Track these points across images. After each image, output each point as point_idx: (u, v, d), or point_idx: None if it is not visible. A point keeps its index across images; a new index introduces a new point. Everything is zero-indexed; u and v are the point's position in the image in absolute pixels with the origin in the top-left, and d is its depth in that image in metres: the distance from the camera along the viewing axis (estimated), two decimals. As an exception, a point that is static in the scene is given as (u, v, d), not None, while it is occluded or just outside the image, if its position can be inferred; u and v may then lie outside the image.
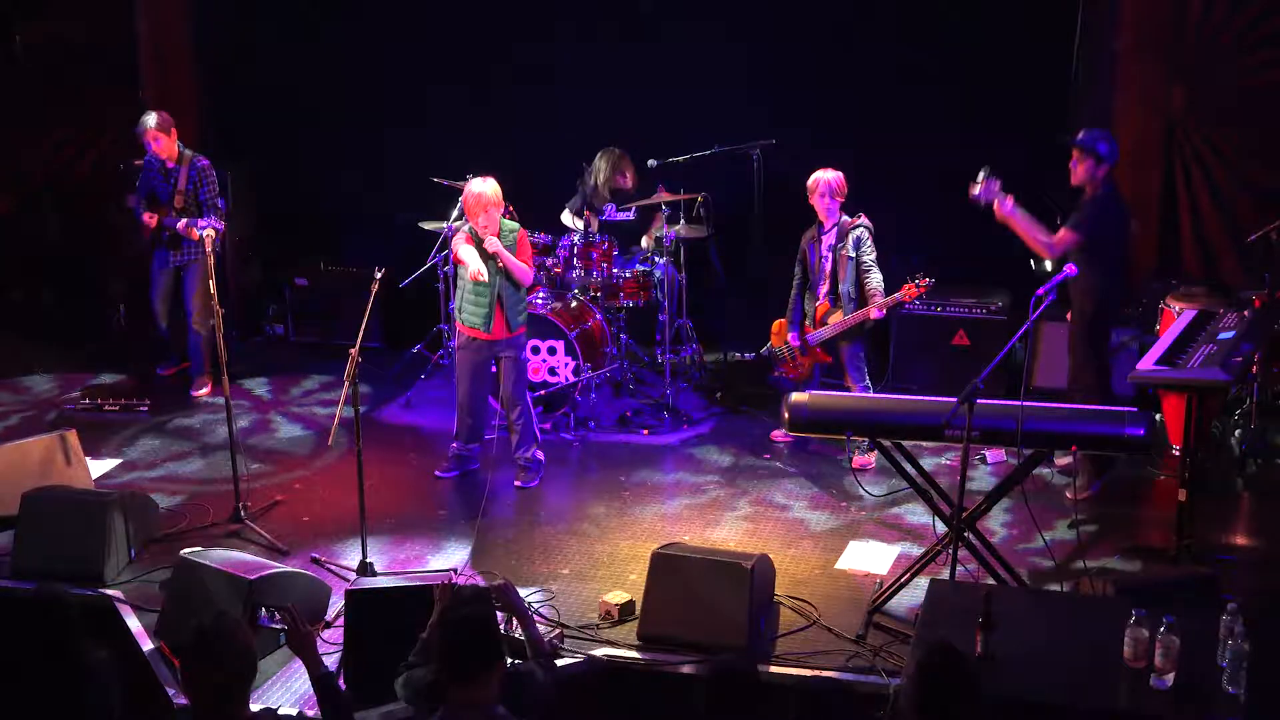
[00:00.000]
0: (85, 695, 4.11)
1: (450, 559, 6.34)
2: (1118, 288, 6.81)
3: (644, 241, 8.69)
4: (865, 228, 7.30)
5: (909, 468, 5.77)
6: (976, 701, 3.67)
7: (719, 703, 3.83)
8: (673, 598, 5.48)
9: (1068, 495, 6.64)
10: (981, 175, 6.60)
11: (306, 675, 4.39)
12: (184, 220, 8.23)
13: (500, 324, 6.98)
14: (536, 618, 5.66)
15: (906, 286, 7.07)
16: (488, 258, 6.84)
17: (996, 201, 6.59)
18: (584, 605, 5.86)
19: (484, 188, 6.85)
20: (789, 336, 7.57)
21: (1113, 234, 6.69)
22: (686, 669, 5.30)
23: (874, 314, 7.17)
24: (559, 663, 5.36)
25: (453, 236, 8.25)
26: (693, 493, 7.16)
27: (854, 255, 7.26)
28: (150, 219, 8.34)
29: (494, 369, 7.18)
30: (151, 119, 8.26)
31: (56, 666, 4.11)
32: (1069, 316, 6.96)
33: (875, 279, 7.24)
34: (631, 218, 8.70)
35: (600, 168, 8.65)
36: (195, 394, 8.59)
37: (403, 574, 6.02)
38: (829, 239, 7.36)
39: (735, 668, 4.06)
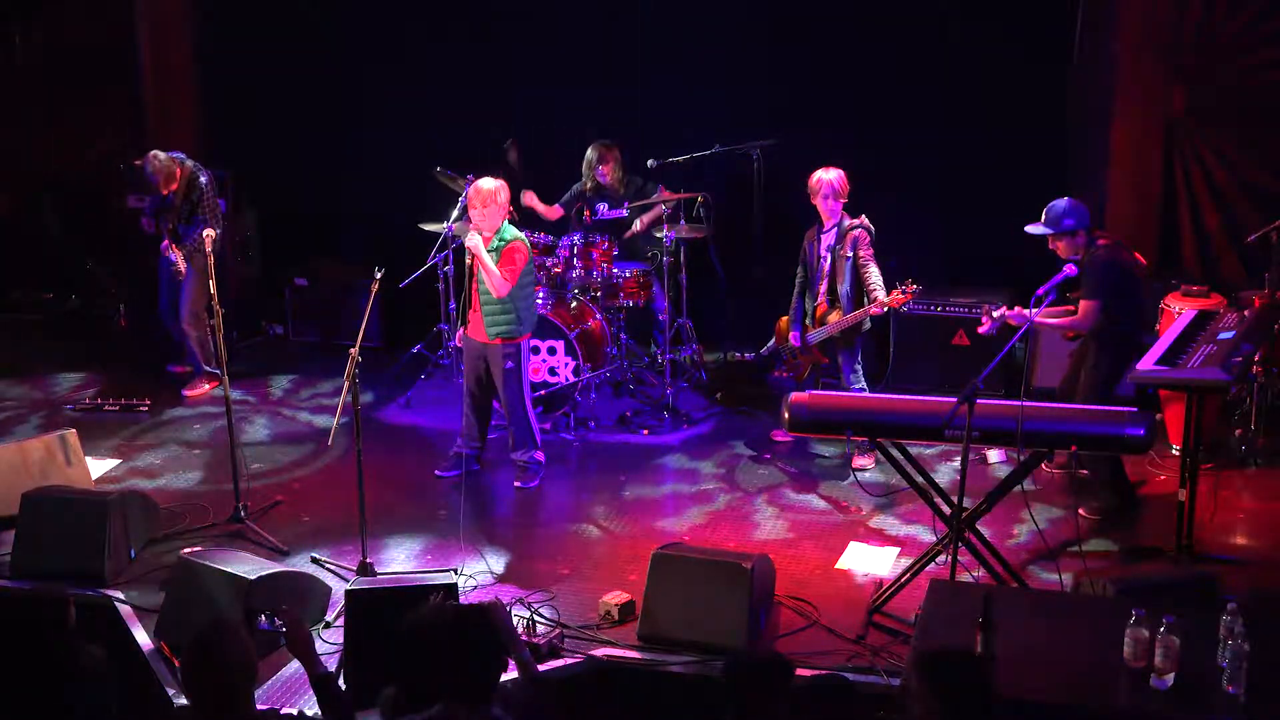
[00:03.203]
0: (81, 695, 4.12)
1: (450, 559, 6.34)
2: (1137, 336, 6.61)
3: (636, 224, 8.65)
4: (864, 229, 7.28)
5: (909, 468, 5.77)
6: (990, 698, 3.66)
7: (749, 696, 3.79)
8: (673, 598, 5.48)
9: (1081, 511, 6.59)
10: (984, 314, 6.58)
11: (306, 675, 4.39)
12: (170, 253, 8.29)
13: (477, 325, 6.99)
14: (536, 619, 5.67)
15: (894, 293, 7.05)
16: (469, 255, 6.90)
17: (1013, 320, 6.50)
18: (584, 605, 5.85)
19: (490, 183, 6.89)
20: (790, 336, 7.57)
21: (1124, 277, 6.51)
22: (686, 669, 5.29)
23: (874, 311, 7.15)
24: (558, 663, 5.37)
25: (452, 236, 8.29)
26: (692, 493, 7.16)
27: (851, 256, 7.25)
28: (149, 224, 8.40)
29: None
30: (155, 176, 8.21)
31: (52, 666, 4.12)
32: (1081, 355, 6.72)
33: (874, 276, 7.20)
34: (624, 215, 8.67)
35: (589, 158, 8.66)
36: (187, 394, 8.57)
37: (403, 574, 6.02)
38: (828, 239, 7.35)
39: (766, 659, 4.03)
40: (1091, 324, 6.44)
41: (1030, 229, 6.48)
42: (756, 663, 3.97)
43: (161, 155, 8.30)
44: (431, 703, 3.86)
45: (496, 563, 6.32)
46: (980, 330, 6.69)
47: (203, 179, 8.34)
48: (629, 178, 8.68)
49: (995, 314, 6.61)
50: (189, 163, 8.38)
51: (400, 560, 6.35)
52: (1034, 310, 6.14)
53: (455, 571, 6.02)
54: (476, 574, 6.16)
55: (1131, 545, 6.35)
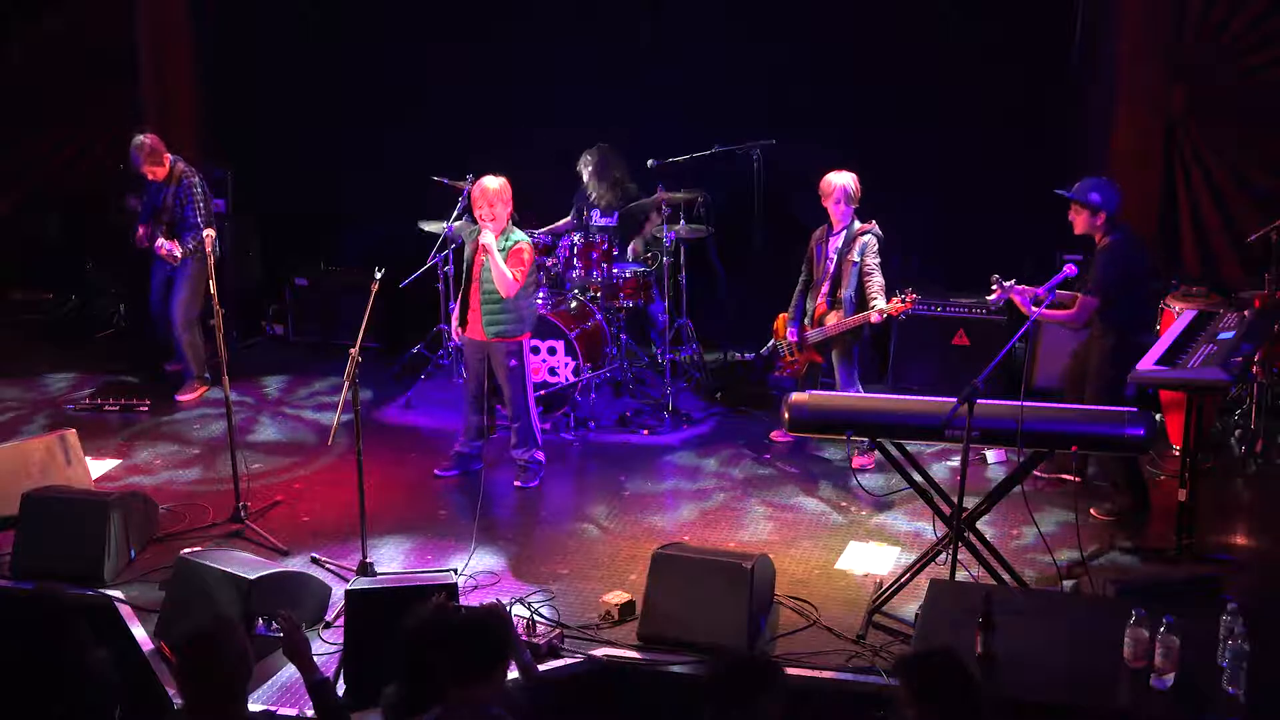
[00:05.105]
0: (85, 695, 4.11)
1: (450, 559, 6.34)
2: (1139, 326, 6.64)
3: (630, 250, 8.67)
4: (874, 235, 7.24)
5: (909, 468, 5.77)
6: (978, 698, 3.66)
7: (725, 694, 3.78)
8: (673, 598, 5.48)
9: (1093, 512, 6.60)
10: (994, 284, 6.55)
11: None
12: (160, 241, 8.23)
13: (476, 324, 6.99)
14: (536, 618, 5.66)
15: (894, 301, 7.04)
16: (478, 252, 6.89)
17: (1017, 300, 6.50)
18: (584, 605, 5.85)
19: (493, 182, 6.89)
20: (788, 332, 7.56)
21: (1129, 278, 6.47)
22: (686, 669, 5.29)
23: (873, 318, 7.14)
24: (558, 663, 5.37)
25: (453, 236, 8.29)
26: (692, 493, 7.16)
27: (858, 261, 7.23)
28: (141, 236, 8.37)
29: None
30: (138, 155, 8.21)
31: (56, 666, 4.12)
32: (1090, 346, 6.70)
33: (876, 284, 7.19)
34: (613, 223, 8.65)
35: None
36: (179, 399, 8.53)
37: (403, 574, 6.02)
38: (836, 242, 7.33)
39: (743, 658, 4.02)
40: (1086, 320, 6.46)
41: (1059, 191, 6.52)
42: (740, 665, 3.94)
43: (151, 138, 8.28)
44: (436, 703, 3.86)
45: (496, 563, 6.32)
46: (989, 299, 6.66)
47: (187, 181, 8.27)
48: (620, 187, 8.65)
49: (1006, 284, 6.57)
50: (181, 163, 8.36)
51: (400, 560, 6.36)
52: (1035, 310, 6.14)
53: (455, 571, 6.01)
54: (476, 574, 6.16)
55: (1132, 545, 6.35)
